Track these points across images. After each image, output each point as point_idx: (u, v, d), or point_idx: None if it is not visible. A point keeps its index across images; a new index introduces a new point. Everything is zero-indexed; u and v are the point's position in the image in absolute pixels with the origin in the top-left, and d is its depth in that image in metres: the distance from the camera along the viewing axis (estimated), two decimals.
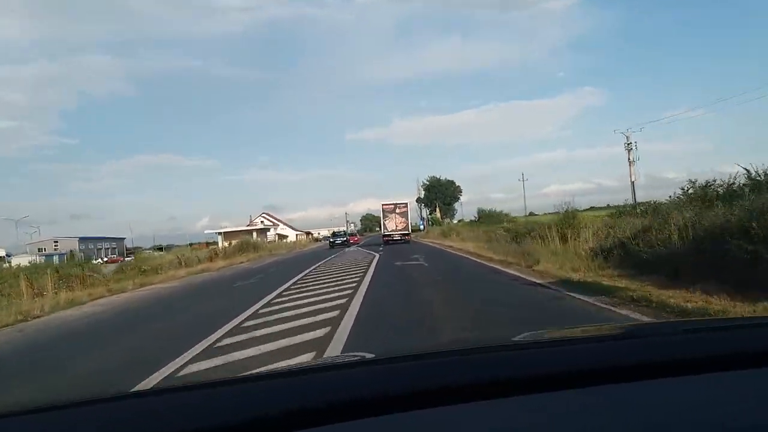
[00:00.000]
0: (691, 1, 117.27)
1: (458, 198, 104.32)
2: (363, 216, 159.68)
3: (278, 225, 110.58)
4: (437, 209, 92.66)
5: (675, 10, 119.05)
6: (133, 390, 1.40)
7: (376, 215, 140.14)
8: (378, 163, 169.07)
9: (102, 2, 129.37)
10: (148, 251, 66.56)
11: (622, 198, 55.24)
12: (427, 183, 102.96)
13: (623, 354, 1.23)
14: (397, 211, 45.95)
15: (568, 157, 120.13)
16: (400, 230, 45.26)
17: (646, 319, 6.94)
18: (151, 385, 5.18)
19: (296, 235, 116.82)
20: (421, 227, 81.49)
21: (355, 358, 1.66)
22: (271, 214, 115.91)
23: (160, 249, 73.77)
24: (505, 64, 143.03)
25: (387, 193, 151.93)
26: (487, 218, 60.74)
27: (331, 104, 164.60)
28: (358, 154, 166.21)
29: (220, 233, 72.94)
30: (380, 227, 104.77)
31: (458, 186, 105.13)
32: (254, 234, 67.33)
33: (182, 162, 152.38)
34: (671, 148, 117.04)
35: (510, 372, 1.13)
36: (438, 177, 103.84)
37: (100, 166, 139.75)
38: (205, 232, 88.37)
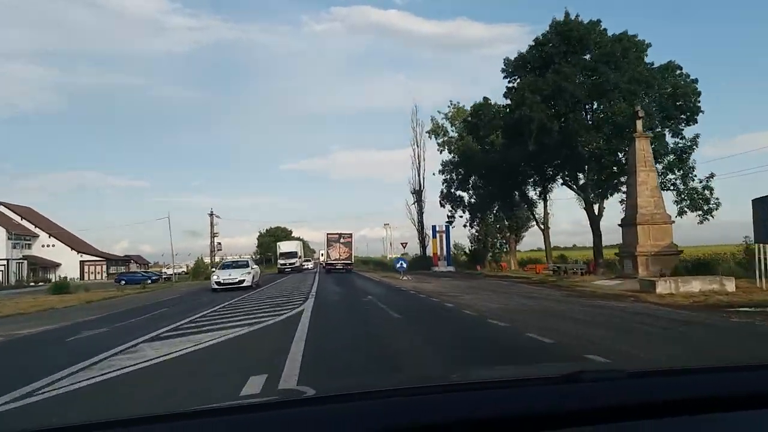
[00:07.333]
0: None
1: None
2: (261, 233, 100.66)
3: (37, 236, 65.27)
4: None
5: None
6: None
7: (286, 233, 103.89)
8: (313, 194, 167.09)
9: (36, 12, 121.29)
10: None
11: None
12: (516, 65, 32.95)
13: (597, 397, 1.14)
14: (342, 240, 45.87)
15: None
16: (343, 259, 45.13)
17: None
18: None
19: (80, 257, 67.28)
20: (447, 266, 41.24)
21: (291, 397, 1.52)
22: (33, 211, 67.22)
23: None
24: (441, 105, 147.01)
25: (320, 224, 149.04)
26: None
27: (273, 131, 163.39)
28: (294, 183, 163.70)
29: None
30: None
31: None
32: None
33: (109, 181, 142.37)
34: None
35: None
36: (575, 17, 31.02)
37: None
38: None
